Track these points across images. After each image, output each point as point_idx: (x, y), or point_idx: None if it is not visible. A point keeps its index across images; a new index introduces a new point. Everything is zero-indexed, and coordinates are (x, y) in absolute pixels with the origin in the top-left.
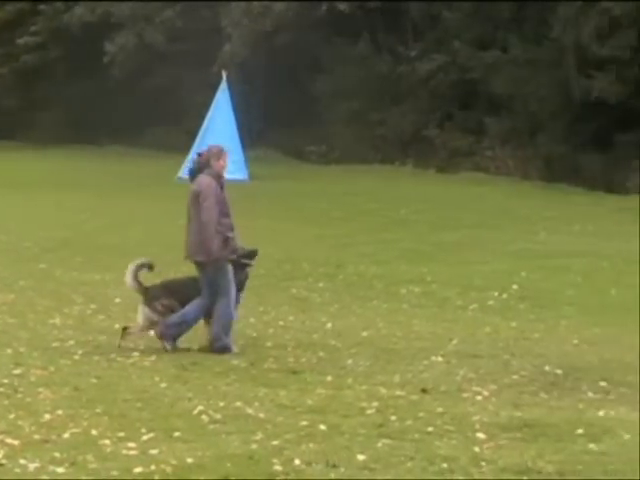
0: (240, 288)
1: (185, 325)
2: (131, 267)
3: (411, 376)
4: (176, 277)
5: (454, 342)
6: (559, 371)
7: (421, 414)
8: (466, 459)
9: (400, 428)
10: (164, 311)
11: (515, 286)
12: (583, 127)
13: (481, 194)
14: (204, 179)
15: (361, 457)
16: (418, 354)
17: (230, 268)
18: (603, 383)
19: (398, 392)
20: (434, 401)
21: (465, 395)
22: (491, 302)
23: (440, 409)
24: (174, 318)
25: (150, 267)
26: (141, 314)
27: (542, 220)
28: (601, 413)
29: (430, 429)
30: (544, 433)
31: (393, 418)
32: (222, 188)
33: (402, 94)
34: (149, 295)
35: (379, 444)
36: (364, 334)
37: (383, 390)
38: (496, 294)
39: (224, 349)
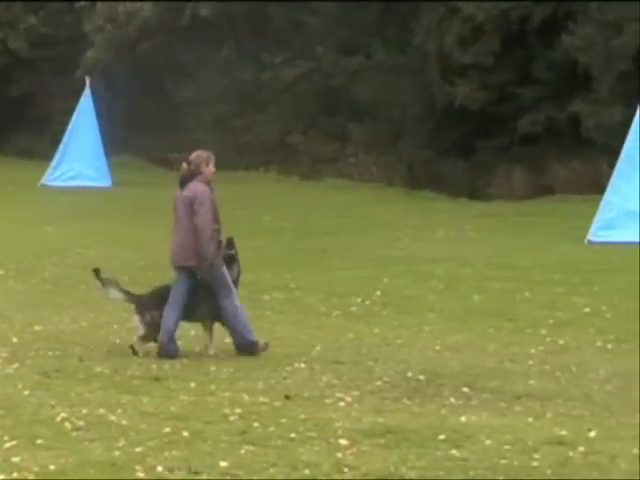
0: (235, 285)
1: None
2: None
3: (274, 382)
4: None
5: (317, 348)
6: (422, 377)
7: (284, 420)
8: (329, 465)
9: (263, 434)
10: (152, 322)
11: (378, 292)
12: (446, 134)
13: (345, 201)
14: (198, 186)
15: (224, 464)
16: (281, 360)
17: (225, 268)
18: (465, 389)
19: (261, 398)
20: (297, 407)
21: (328, 401)
22: (354, 308)
23: (303, 415)
24: None
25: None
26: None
27: (405, 227)
28: (463, 419)
29: (293, 435)
30: (407, 439)
31: (256, 424)
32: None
33: (266, 101)
34: (141, 305)
35: (242, 450)
36: (228, 340)
37: (246, 397)
38: (359, 300)
39: (252, 346)
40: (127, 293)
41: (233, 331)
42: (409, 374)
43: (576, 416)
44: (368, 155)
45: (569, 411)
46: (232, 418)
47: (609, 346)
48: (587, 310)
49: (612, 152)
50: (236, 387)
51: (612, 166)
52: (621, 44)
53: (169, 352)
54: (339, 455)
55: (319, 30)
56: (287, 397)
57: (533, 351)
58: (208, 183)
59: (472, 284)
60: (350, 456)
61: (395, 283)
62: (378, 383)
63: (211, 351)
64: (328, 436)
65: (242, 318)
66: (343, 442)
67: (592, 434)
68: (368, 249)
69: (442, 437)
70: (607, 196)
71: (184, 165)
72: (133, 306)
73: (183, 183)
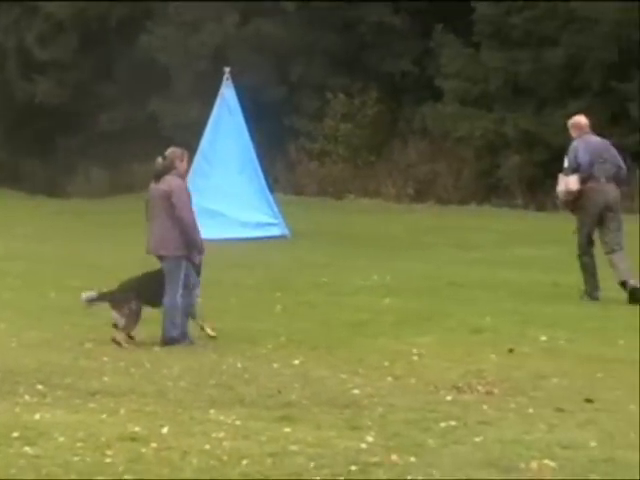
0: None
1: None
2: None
3: None
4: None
5: None
6: None
7: None
8: None
9: None
10: (130, 314)
11: None
12: (25, 131)
13: None
14: (174, 180)
15: None
16: None
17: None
18: (40, 386)
19: None
20: None
21: None
22: None
23: None
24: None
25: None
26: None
27: None
28: (37, 416)
29: None
30: None
31: None
32: None
33: None
34: (115, 300)
35: None
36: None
37: None
38: None
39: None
40: (99, 293)
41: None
42: None
43: (149, 412)
44: None
45: (142, 407)
46: None
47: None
48: None
49: (190, 150)
50: None
51: (189, 164)
52: (199, 43)
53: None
54: None
55: None
56: None
57: (109, 348)
58: (183, 178)
59: (49, 281)
60: None
61: None
62: None
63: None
64: None
65: (175, 312)
66: None
67: (165, 430)
68: None
69: (15, 435)
70: None
71: (159, 159)
72: (108, 303)
73: (158, 177)
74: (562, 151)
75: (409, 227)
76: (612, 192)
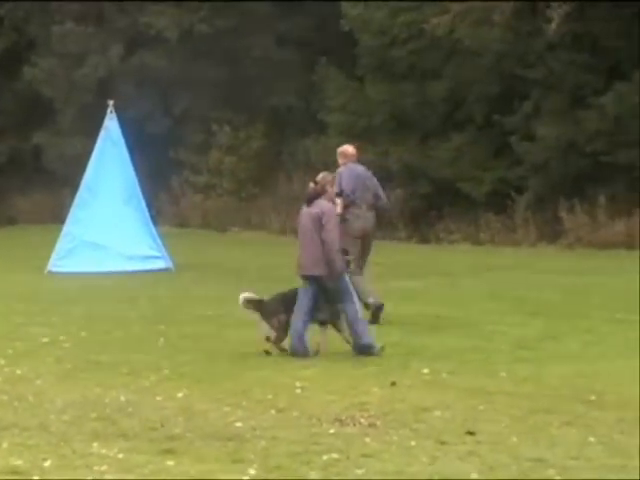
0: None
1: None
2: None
3: None
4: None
5: None
6: None
7: None
8: None
9: None
10: (280, 327)
11: None
12: None
13: None
14: (325, 204)
15: None
16: None
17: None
18: None
19: None
20: None
21: None
22: None
23: None
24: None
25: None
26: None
27: None
28: None
29: None
30: None
31: None
32: None
33: None
34: (265, 311)
35: None
36: None
37: None
38: None
39: (370, 347)
40: (249, 301)
41: (354, 333)
42: None
43: (32, 446)
44: None
45: (25, 441)
46: None
47: (67, 375)
48: (45, 340)
49: (74, 183)
50: None
51: (74, 197)
52: (82, 76)
53: (299, 351)
54: None
55: None
56: None
57: None
58: (332, 201)
59: None
60: None
61: None
62: None
63: (323, 349)
64: None
65: (362, 321)
66: None
67: (47, 464)
68: None
69: None
70: (67, 226)
71: (311, 184)
72: (258, 313)
73: (310, 200)
74: (446, 184)
75: (293, 260)
76: (371, 219)
